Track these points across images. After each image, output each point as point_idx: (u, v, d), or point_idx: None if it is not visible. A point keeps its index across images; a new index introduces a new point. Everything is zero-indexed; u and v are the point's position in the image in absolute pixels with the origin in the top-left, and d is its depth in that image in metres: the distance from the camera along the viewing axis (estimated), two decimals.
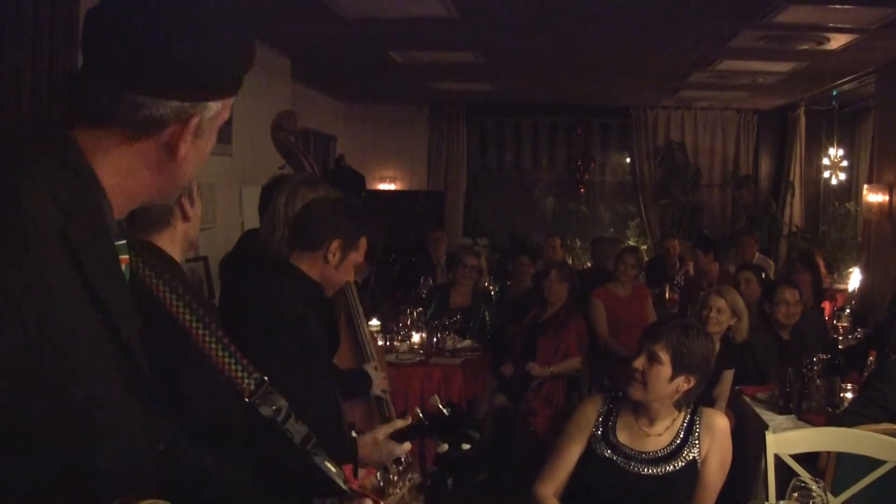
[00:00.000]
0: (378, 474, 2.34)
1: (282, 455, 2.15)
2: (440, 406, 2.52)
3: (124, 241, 1.59)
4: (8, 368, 1.29)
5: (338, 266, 3.20)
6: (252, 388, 1.85)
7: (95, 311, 1.42)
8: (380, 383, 4.39)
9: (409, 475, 2.42)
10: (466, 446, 2.40)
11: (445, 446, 2.44)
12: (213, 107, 1.55)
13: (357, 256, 3.28)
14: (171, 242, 2.58)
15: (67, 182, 1.41)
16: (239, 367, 1.85)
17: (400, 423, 2.79)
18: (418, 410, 2.45)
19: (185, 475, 1.81)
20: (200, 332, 1.82)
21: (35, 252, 1.33)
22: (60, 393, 1.37)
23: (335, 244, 3.15)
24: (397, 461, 2.48)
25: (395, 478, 2.38)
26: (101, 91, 1.44)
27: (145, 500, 1.47)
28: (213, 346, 1.83)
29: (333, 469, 2.03)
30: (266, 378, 1.88)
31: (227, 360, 1.84)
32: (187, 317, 1.80)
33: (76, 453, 1.42)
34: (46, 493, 1.37)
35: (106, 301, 1.43)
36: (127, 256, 1.62)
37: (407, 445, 2.79)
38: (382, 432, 2.80)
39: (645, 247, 12.90)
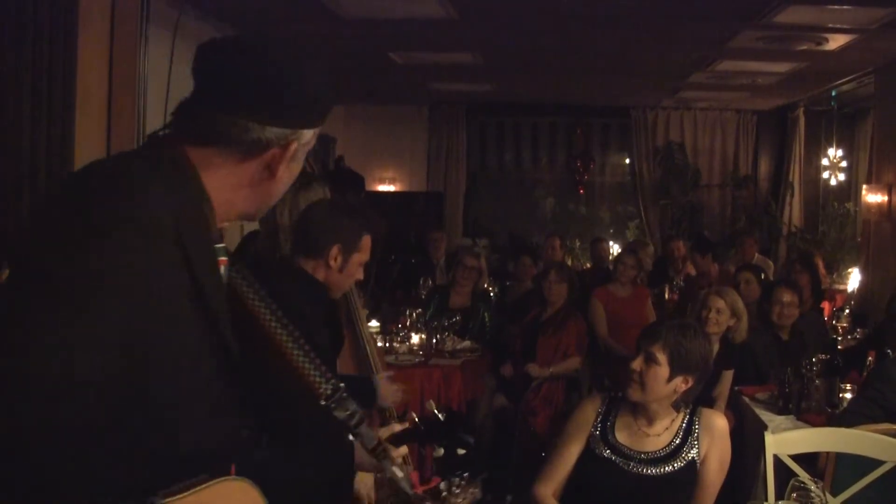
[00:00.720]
0: (442, 483, 2.36)
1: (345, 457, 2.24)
2: (436, 411, 2.53)
3: (223, 245, 1.80)
4: (121, 340, 1.49)
5: (341, 270, 3.20)
6: (328, 392, 2.03)
7: (198, 302, 1.64)
8: (391, 395, 4.32)
9: (471, 489, 2.44)
10: (462, 451, 2.41)
11: (442, 451, 2.46)
12: (307, 135, 1.78)
13: (361, 256, 3.27)
14: None
15: (180, 190, 1.64)
16: (317, 373, 2.03)
17: (397, 428, 2.79)
18: (415, 416, 2.46)
19: (255, 467, 1.88)
20: (283, 337, 2.01)
21: (155, 243, 1.55)
22: (163, 370, 1.58)
23: (334, 249, 3.15)
24: (461, 475, 2.50)
25: (457, 490, 2.41)
26: (216, 116, 1.68)
27: (231, 477, 1.69)
28: (294, 351, 2.02)
29: (400, 474, 2.18)
30: (342, 384, 2.06)
31: (306, 364, 2.03)
32: (272, 322, 2.01)
33: (171, 430, 1.62)
34: (142, 465, 1.55)
35: (207, 294, 1.65)
36: (225, 258, 1.82)
37: (403, 449, 2.80)
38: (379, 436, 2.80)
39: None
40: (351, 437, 2.12)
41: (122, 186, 1.58)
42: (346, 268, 3.21)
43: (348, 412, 2.04)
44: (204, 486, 1.63)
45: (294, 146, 1.75)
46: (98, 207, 1.53)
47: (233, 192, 1.75)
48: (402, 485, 2.17)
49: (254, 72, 1.68)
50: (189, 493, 1.60)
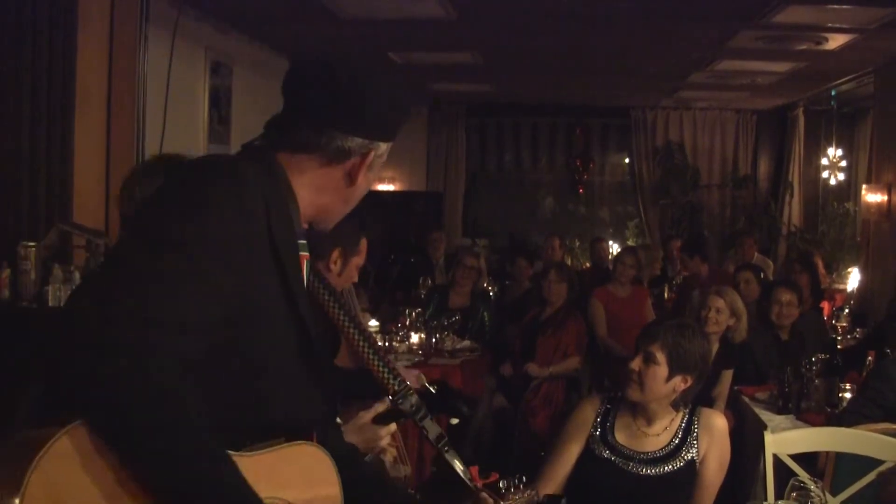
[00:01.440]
0: (502, 481, 2.39)
1: None
2: (426, 384, 2.55)
3: (305, 242, 1.98)
4: (226, 296, 1.68)
5: (341, 273, 3.22)
6: (396, 387, 2.28)
7: (283, 284, 1.84)
8: (413, 379, 4.32)
9: (529, 491, 2.46)
10: (455, 421, 2.44)
11: (455, 420, 2.48)
12: (384, 147, 2.01)
13: (358, 260, 3.30)
14: None
15: (271, 186, 1.84)
16: (386, 370, 2.27)
17: (381, 407, 2.80)
18: (417, 427, 2.45)
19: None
20: (355, 336, 2.30)
21: (253, 223, 1.76)
22: (256, 334, 1.79)
23: (335, 253, 3.19)
24: (519, 478, 2.52)
25: (514, 490, 2.44)
26: (307, 127, 1.91)
27: (303, 441, 1.88)
28: (365, 348, 2.30)
29: (461, 467, 2.27)
30: (409, 383, 2.30)
31: (375, 361, 2.28)
32: (345, 322, 2.29)
33: (260, 391, 1.82)
34: (233, 420, 1.73)
35: (290, 278, 1.85)
36: (307, 254, 2.02)
37: (392, 426, 2.81)
38: (364, 418, 2.81)
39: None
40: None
41: (229, 173, 1.79)
42: (344, 271, 3.24)
43: (413, 406, 2.26)
44: (281, 446, 1.82)
45: (372, 156, 1.97)
46: (212, 187, 1.74)
47: (316, 194, 1.96)
48: (464, 478, 2.26)
49: (341, 88, 1.91)
50: (267, 450, 1.80)
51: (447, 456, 2.23)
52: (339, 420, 2.67)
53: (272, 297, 1.83)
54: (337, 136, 1.92)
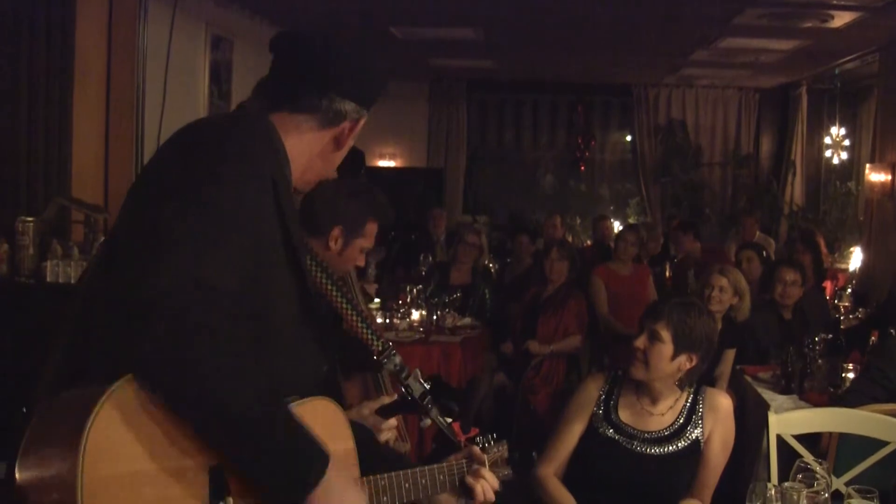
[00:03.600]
0: (479, 438, 2.50)
1: None
2: (420, 381, 2.53)
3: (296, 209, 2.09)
4: (247, 262, 1.79)
5: (340, 253, 3.14)
6: (380, 348, 2.47)
7: (288, 249, 1.95)
8: None
9: (501, 445, 2.55)
10: (448, 420, 2.47)
11: (429, 421, 2.49)
12: (365, 116, 2.11)
13: (364, 242, 3.20)
14: None
15: (273, 153, 1.96)
16: (369, 331, 2.46)
17: (386, 399, 2.87)
18: (401, 386, 2.48)
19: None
20: (339, 299, 2.45)
21: (265, 193, 1.87)
22: (273, 297, 1.91)
23: (335, 231, 3.10)
24: (491, 434, 2.55)
25: (489, 445, 2.48)
26: (310, 90, 2.01)
27: (315, 396, 1.98)
28: (350, 311, 2.47)
29: (445, 423, 2.48)
30: (391, 343, 2.51)
31: (360, 324, 2.47)
32: (328, 286, 2.46)
33: (278, 351, 1.93)
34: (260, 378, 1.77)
35: (294, 240, 1.96)
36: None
37: (392, 421, 2.81)
38: (368, 408, 2.81)
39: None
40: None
41: (246, 138, 1.90)
42: (345, 251, 3.15)
43: (396, 366, 2.46)
44: (300, 402, 1.92)
45: (362, 122, 2.09)
46: (232, 152, 1.85)
47: (307, 157, 2.06)
48: (447, 433, 2.46)
49: (340, 55, 2.03)
50: (289, 406, 1.88)
51: (431, 414, 2.41)
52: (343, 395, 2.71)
53: (282, 264, 1.93)
54: (336, 99, 2.02)
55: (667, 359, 3.36)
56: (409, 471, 2.17)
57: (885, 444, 3.48)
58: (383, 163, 13.98)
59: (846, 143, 12.36)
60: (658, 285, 8.44)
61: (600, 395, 3.53)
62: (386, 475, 2.13)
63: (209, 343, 1.64)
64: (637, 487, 3.33)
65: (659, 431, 3.41)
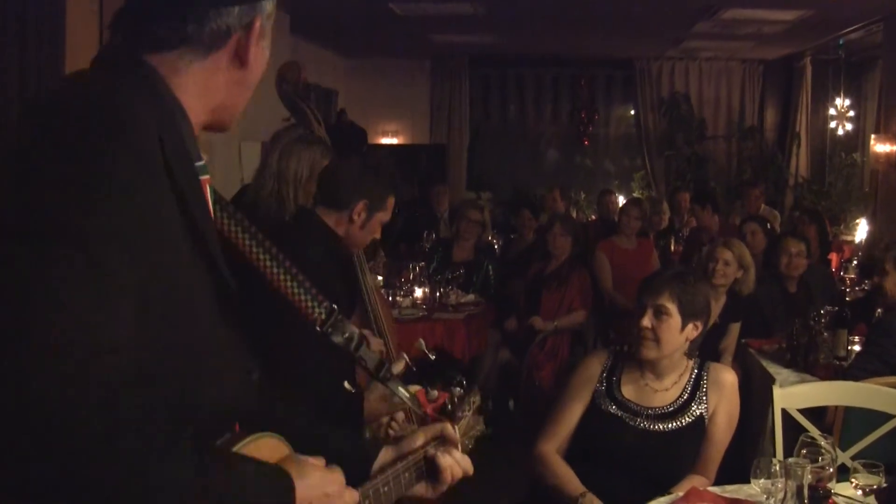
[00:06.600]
0: (447, 398, 2.30)
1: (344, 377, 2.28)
2: (425, 350, 2.49)
3: (203, 162, 1.60)
4: (140, 289, 1.31)
5: (363, 226, 3.22)
6: (323, 317, 1.89)
7: (192, 237, 1.48)
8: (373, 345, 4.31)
9: (472, 398, 2.38)
10: (411, 391, 2.36)
11: (435, 393, 2.40)
12: (268, 6, 1.61)
13: (384, 216, 3.31)
14: None
15: (158, 108, 1.46)
16: (308, 297, 1.87)
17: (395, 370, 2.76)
18: (405, 356, 2.40)
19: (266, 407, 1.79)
20: (268, 263, 1.84)
21: (152, 175, 1.38)
22: (177, 315, 1.44)
23: (360, 205, 3.17)
24: (459, 383, 2.45)
25: (459, 402, 2.34)
26: (166, 18, 1.50)
27: (255, 435, 1.56)
28: (282, 276, 1.85)
29: (408, 395, 2.12)
30: (335, 306, 1.91)
31: (296, 290, 1.86)
32: (253, 248, 1.82)
33: (191, 383, 1.48)
34: (166, 426, 1.33)
35: (199, 227, 1.49)
36: (208, 177, 1.63)
37: (414, 389, 2.77)
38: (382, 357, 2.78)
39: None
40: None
41: (110, 114, 1.38)
42: (368, 225, 3.24)
43: (346, 335, 1.92)
44: (239, 445, 1.52)
45: (258, 23, 1.58)
46: (91, 144, 1.32)
47: (207, 93, 1.57)
48: (410, 406, 2.16)
49: None
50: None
51: (390, 385, 2.06)
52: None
53: (186, 262, 1.47)
54: (206, 16, 1.51)
55: (676, 331, 3.34)
56: (368, 486, 1.81)
57: (891, 417, 3.46)
58: (386, 140, 13.95)
59: (851, 113, 12.29)
60: (663, 260, 8.41)
61: (603, 372, 3.50)
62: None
63: (126, 444, 1.23)
64: (641, 464, 3.30)
65: (663, 407, 3.38)
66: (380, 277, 6.90)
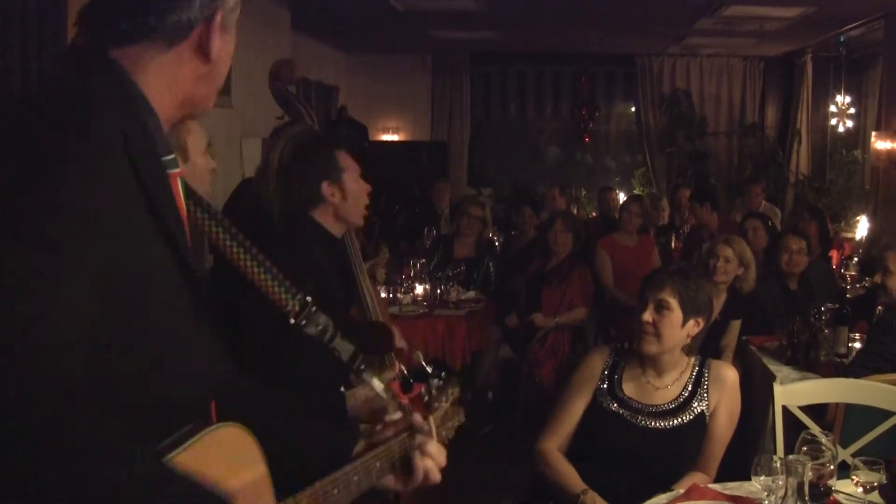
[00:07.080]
0: (423, 388, 2.28)
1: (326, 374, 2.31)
2: (423, 363, 2.47)
3: (172, 157, 1.62)
4: (100, 283, 1.33)
5: (345, 197, 3.17)
6: (297, 308, 1.90)
7: (160, 232, 1.49)
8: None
9: (450, 389, 2.37)
10: (436, 381, 2.33)
11: (437, 381, 2.39)
12: (224, 4, 1.60)
13: (351, 173, 3.22)
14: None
15: (122, 104, 1.48)
16: (282, 289, 1.89)
17: (388, 374, 2.75)
18: (403, 367, 2.39)
19: (236, 399, 1.79)
20: (241, 255, 1.86)
21: (113, 168, 1.39)
22: (138, 308, 1.44)
23: (325, 187, 3.13)
24: (437, 374, 2.43)
25: (436, 394, 2.32)
26: (128, 10, 1.51)
27: (215, 425, 1.54)
28: (255, 268, 1.87)
29: (381, 385, 2.10)
30: (309, 298, 1.92)
31: (269, 282, 1.88)
32: (226, 240, 1.84)
33: (151, 375, 1.48)
34: (129, 420, 1.39)
35: (167, 223, 1.50)
36: (178, 170, 1.65)
37: (387, 377, 2.77)
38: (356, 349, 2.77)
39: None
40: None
41: (68, 112, 1.40)
42: (347, 192, 3.19)
43: (320, 327, 1.93)
44: (196, 437, 1.49)
45: (220, 16, 1.58)
46: (50, 136, 1.35)
47: (173, 86, 1.58)
48: (385, 396, 2.15)
49: None
50: (182, 448, 1.46)
51: (364, 375, 2.04)
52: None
53: (149, 254, 1.48)
54: (167, 8, 1.52)
55: (677, 326, 3.34)
56: (337, 475, 1.81)
57: (891, 414, 3.46)
58: (386, 137, 13.94)
59: (851, 110, 12.28)
60: (664, 257, 8.41)
61: (604, 369, 3.50)
62: (309, 491, 1.76)
63: (73, 441, 1.25)
64: (642, 461, 3.31)
65: (664, 405, 3.38)
66: (383, 272, 6.90)
